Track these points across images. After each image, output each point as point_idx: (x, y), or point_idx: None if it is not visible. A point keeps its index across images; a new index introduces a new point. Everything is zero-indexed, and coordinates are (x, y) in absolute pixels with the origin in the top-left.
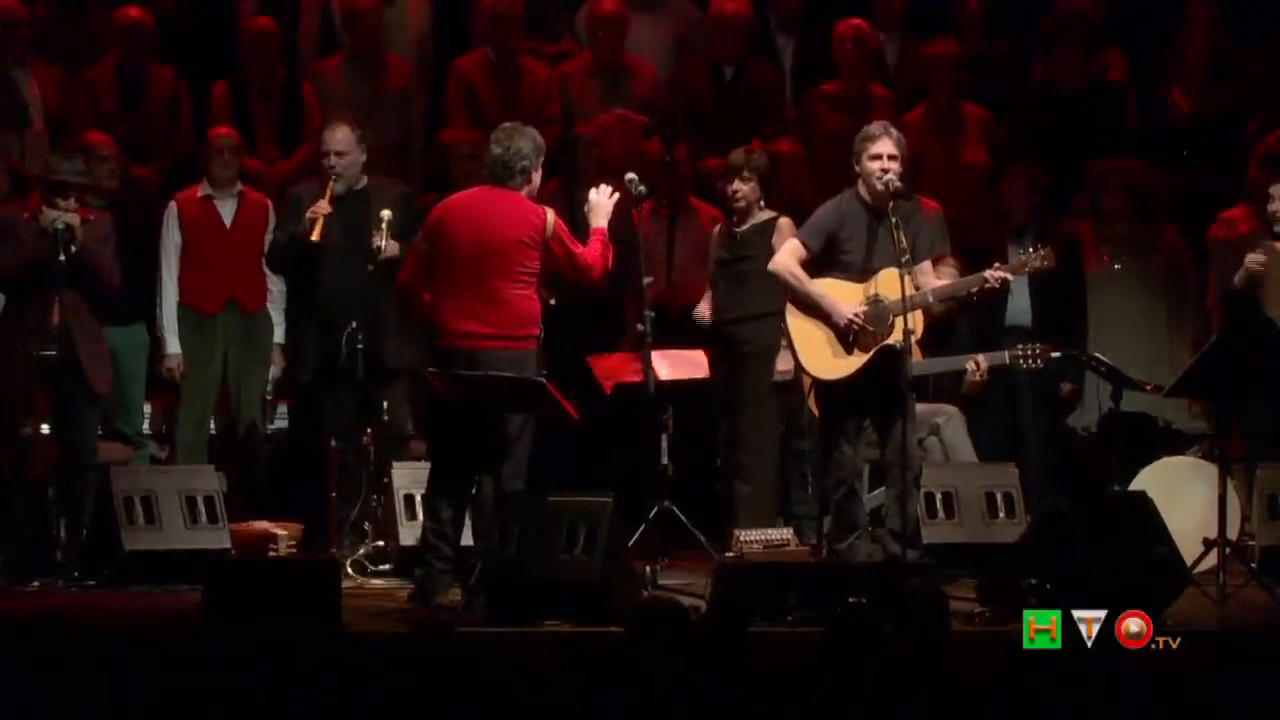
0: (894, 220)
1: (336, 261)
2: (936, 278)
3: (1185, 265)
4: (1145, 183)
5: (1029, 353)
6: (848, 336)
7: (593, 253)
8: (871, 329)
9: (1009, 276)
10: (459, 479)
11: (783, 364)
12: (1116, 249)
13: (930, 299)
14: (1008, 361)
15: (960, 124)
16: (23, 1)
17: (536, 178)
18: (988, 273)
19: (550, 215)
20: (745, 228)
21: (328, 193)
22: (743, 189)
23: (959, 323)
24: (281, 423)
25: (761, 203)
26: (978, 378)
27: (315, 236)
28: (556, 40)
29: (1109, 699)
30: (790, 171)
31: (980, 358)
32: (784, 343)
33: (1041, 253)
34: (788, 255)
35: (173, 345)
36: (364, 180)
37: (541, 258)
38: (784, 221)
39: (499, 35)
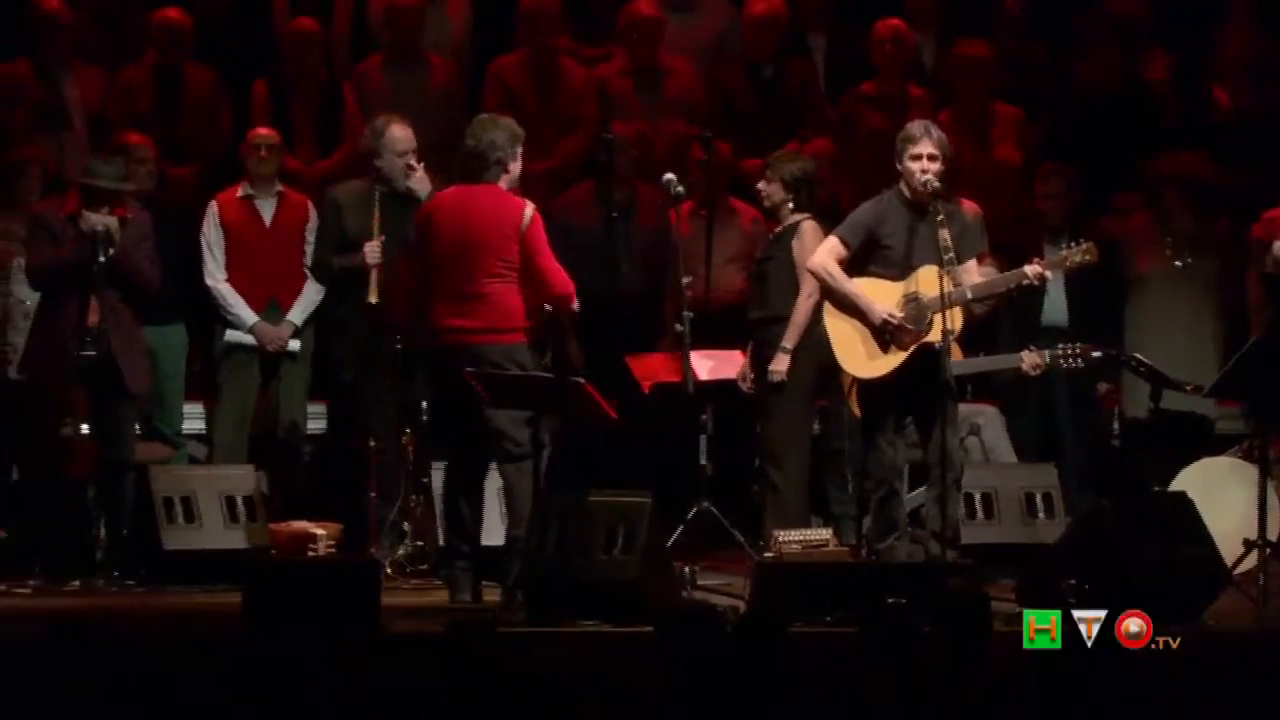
0: (939, 218)
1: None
2: (980, 277)
3: (1239, 262)
4: (1206, 177)
5: (1070, 352)
6: (885, 335)
7: (563, 273)
8: (910, 327)
9: (1047, 273)
10: (473, 477)
11: (778, 364)
12: (1178, 245)
13: (969, 296)
14: (1048, 360)
15: (991, 124)
16: (65, 3)
17: (515, 167)
18: (1027, 268)
19: (529, 209)
20: (778, 229)
21: (376, 244)
22: (765, 190)
23: (1002, 321)
24: (321, 423)
25: (790, 205)
26: (1035, 373)
27: (373, 298)
28: (600, 43)
29: (1109, 699)
30: (825, 172)
31: (1034, 353)
32: (784, 344)
33: (1084, 247)
34: (825, 253)
35: (252, 316)
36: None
37: (519, 249)
38: (806, 225)
39: (536, 36)
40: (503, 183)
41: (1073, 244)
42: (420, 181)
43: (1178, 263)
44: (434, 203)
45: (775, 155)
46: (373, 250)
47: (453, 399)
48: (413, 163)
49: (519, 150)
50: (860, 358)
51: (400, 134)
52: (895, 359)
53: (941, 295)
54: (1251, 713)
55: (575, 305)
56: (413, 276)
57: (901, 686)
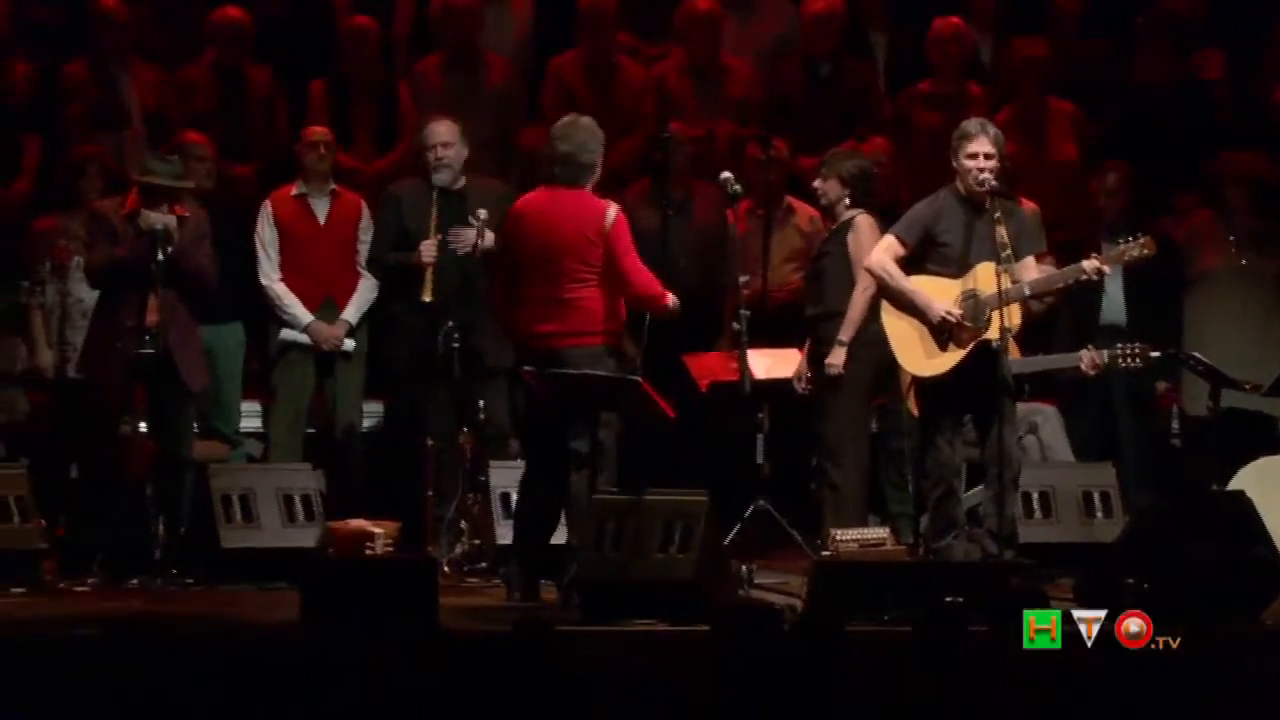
0: (995, 215)
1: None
2: (1038, 274)
3: None
4: (1268, 176)
5: (1129, 352)
6: (943, 333)
7: (647, 274)
8: (968, 324)
9: (1105, 267)
10: (549, 479)
11: (834, 358)
12: (1241, 242)
13: (1027, 292)
14: (1107, 360)
15: (1047, 122)
16: (122, 1)
17: (599, 167)
18: (1084, 263)
19: (613, 211)
20: (834, 226)
21: (432, 243)
22: (821, 187)
23: (1061, 320)
24: (378, 421)
25: (847, 202)
26: (1094, 372)
27: (427, 297)
28: (660, 42)
29: (1109, 699)
30: (884, 169)
31: (1093, 352)
32: (840, 338)
33: (1142, 241)
34: (882, 252)
35: (306, 316)
36: (463, 180)
37: (603, 252)
38: (861, 220)
39: (594, 35)
40: (589, 184)
41: (1130, 239)
42: (445, 170)
43: (1243, 260)
44: (519, 206)
45: (831, 152)
46: (429, 249)
47: (538, 404)
48: (439, 154)
49: (602, 149)
50: (919, 356)
51: (437, 128)
52: (954, 357)
53: (999, 292)
54: (1253, 712)
55: (668, 303)
56: (497, 279)
57: (943, 685)
